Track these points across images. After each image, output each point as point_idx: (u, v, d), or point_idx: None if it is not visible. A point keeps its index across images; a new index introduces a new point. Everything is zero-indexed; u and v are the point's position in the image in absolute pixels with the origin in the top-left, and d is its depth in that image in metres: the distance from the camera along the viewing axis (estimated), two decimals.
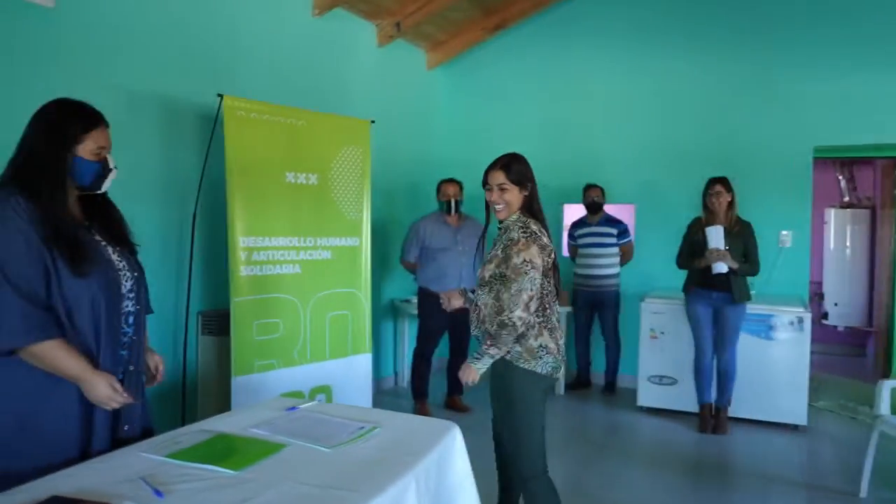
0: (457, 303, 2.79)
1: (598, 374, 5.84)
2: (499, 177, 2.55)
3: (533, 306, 2.45)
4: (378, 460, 1.83)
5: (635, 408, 5.09)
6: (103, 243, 1.95)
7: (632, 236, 5.59)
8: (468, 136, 6.45)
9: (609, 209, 5.62)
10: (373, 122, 4.40)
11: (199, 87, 3.73)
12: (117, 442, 1.93)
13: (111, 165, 1.96)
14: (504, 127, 6.29)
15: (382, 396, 5.43)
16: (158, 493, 1.56)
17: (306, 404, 2.36)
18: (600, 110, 5.96)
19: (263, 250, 3.69)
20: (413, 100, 6.15)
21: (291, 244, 3.83)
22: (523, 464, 2.52)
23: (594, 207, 5.53)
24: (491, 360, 2.49)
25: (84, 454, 1.85)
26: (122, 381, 1.91)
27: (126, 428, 1.96)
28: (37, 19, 2.99)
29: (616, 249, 5.50)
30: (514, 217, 2.58)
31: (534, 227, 2.53)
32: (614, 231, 5.46)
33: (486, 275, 2.56)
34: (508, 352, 2.48)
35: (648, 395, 5.05)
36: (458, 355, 4.89)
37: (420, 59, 6.28)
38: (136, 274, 2.01)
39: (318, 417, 2.19)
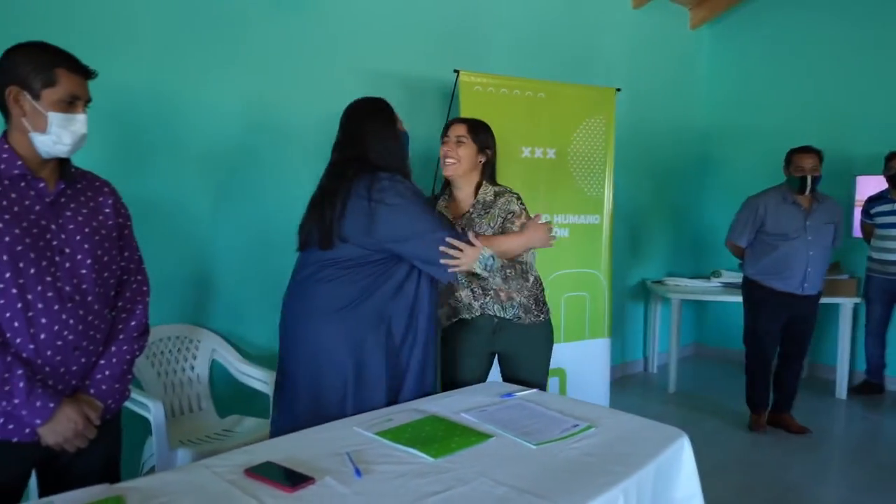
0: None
1: (893, 378, 4.93)
2: (460, 129, 2.50)
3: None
4: (584, 466, 1.65)
5: None
6: None
7: None
8: (738, 103, 5.76)
9: None
10: (618, 90, 4.09)
11: (440, 64, 3.75)
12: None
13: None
14: (783, 90, 5.51)
15: (627, 383, 5.15)
16: (358, 472, 1.58)
17: (523, 392, 2.26)
18: None
19: None
20: (671, 64, 5.62)
21: None
22: None
23: None
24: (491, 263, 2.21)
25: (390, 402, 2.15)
26: None
27: None
28: (292, 12, 3.23)
29: None
30: (490, 187, 2.54)
31: None
32: None
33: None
34: (542, 315, 2.61)
35: None
36: (789, 367, 4.08)
37: (682, 17, 5.72)
38: None
39: (532, 408, 2.08)
